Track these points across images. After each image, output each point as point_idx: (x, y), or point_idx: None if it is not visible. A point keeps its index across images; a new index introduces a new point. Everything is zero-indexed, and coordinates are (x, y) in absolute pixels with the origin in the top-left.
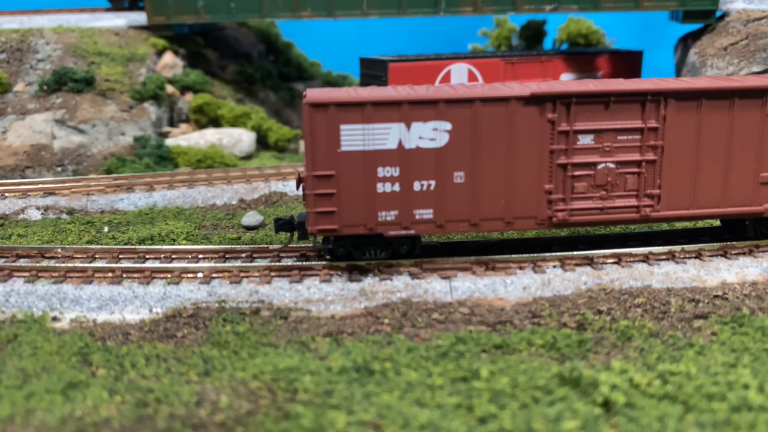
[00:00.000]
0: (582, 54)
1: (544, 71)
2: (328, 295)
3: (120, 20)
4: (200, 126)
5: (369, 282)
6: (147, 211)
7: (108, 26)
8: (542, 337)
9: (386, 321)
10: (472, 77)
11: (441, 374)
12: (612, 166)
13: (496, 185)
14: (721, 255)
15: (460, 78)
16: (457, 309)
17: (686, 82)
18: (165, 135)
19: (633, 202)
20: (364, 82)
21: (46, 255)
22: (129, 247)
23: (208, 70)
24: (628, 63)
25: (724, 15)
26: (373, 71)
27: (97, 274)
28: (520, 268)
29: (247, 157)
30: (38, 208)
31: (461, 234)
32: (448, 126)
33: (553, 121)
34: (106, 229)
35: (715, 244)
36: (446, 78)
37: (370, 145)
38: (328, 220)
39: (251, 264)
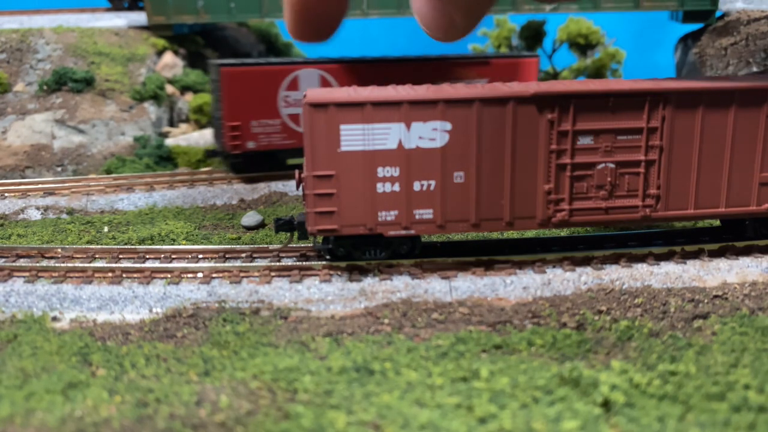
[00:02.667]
0: (462, 59)
1: (415, 77)
2: (328, 295)
3: (120, 20)
4: (200, 126)
5: (369, 282)
6: (147, 211)
7: (108, 26)
8: (542, 337)
9: (386, 321)
10: (325, 84)
11: (441, 374)
12: (612, 166)
13: (497, 185)
14: (721, 255)
15: (310, 85)
16: (457, 309)
17: (686, 82)
18: (165, 135)
19: (633, 202)
20: (212, 87)
21: (46, 255)
22: (129, 247)
23: (209, 70)
24: (522, 69)
25: (724, 15)
26: (213, 76)
27: (97, 274)
28: (520, 268)
29: None
30: (38, 208)
31: (461, 234)
32: (448, 126)
33: (553, 121)
34: (106, 229)
35: (715, 244)
36: (293, 85)
37: (370, 145)
38: (328, 220)
39: (251, 264)
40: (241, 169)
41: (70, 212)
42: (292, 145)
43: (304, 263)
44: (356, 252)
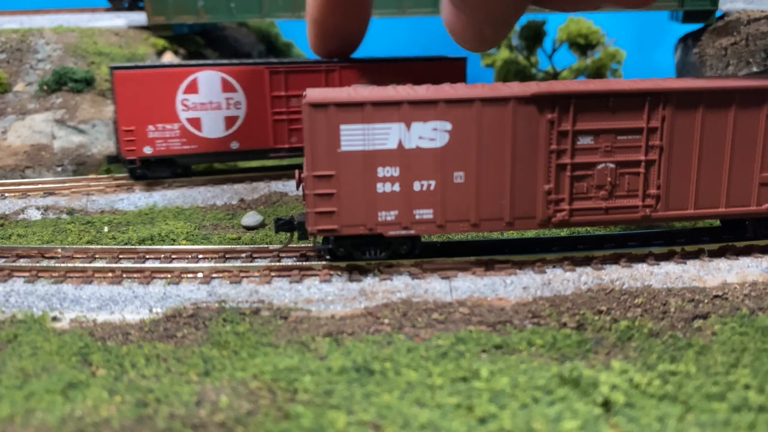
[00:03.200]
0: (384, 62)
1: (329, 82)
2: (328, 295)
3: (120, 20)
4: None
5: (369, 282)
6: (147, 211)
7: (108, 26)
8: (542, 337)
9: (386, 321)
10: (227, 87)
11: (441, 374)
12: (612, 166)
13: (497, 185)
14: (721, 255)
15: (210, 88)
16: (457, 309)
17: (686, 82)
18: None
19: (633, 202)
20: (112, 91)
21: (46, 255)
22: (129, 247)
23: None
24: (449, 71)
25: (724, 15)
26: (111, 80)
27: (97, 274)
28: (520, 268)
29: None
30: (38, 208)
31: (461, 234)
32: (448, 126)
33: (553, 121)
34: (106, 229)
35: (715, 244)
36: (192, 87)
37: (370, 145)
38: (328, 220)
39: (251, 264)
40: (141, 175)
41: (70, 212)
42: (193, 151)
43: (304, 263)
44: (356, 252)
